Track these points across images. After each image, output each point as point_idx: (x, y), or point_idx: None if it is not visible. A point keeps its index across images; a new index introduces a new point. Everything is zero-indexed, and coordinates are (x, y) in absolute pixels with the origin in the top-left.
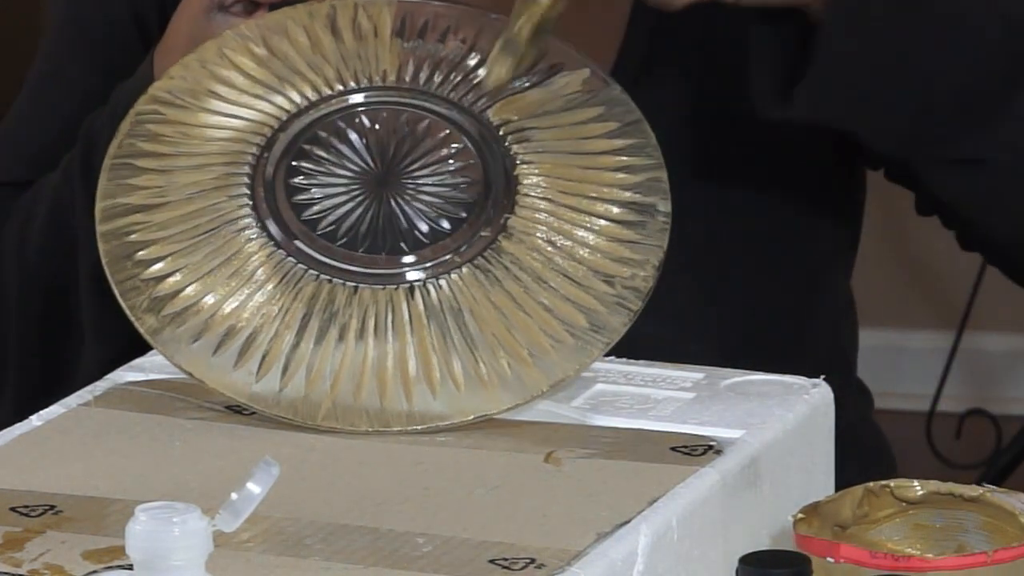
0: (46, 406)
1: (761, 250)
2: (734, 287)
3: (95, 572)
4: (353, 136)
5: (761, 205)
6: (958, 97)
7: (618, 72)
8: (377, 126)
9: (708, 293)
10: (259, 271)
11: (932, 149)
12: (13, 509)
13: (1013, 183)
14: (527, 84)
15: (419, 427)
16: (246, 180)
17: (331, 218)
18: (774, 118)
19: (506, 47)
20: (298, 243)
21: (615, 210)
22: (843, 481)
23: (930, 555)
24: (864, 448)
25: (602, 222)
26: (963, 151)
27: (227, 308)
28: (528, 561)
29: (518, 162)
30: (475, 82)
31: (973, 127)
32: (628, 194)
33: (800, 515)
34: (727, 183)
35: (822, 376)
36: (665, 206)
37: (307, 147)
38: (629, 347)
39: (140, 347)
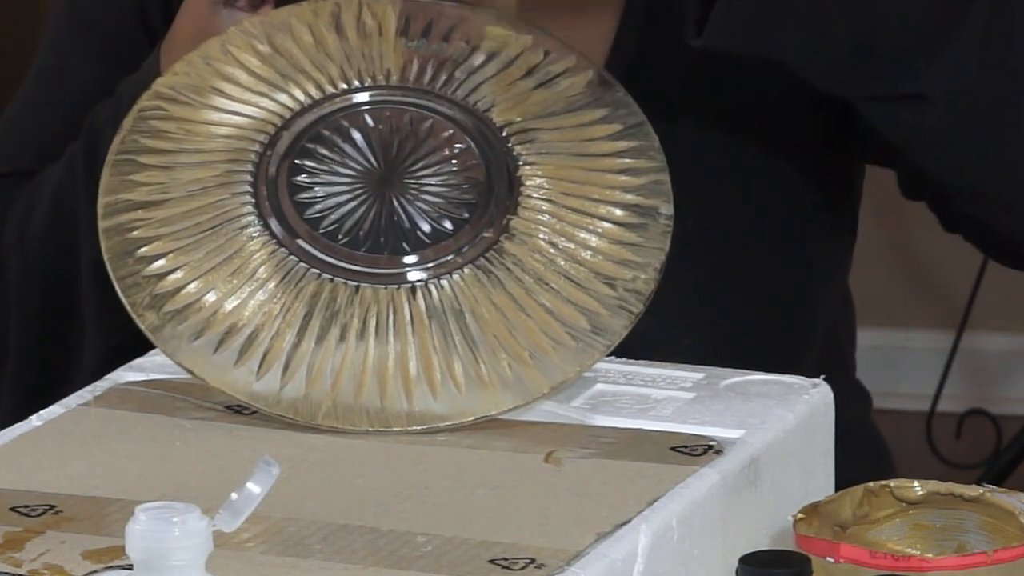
0: (47, 398)
1: (755, 245)
2: (728, 282)
3: (95, 572)
4: (356, 135)
5: (755, 199)
6: (895, 31)
7: (611, 65)
8: (380, 125)
9: (702, 287)
10: (261, 269)
11: (870, 85)
12: (13, 509)
13: (958, 122)
14: (532, 85)
15: (419, 427)
16: (249, 178)
17: (333, 217)
18: (695, 46)
19: None
20: (300, 242)
21: (617, 212)
22: (842, 481)
23: (930, 555)
24: (863, 448)
25: (604, 224)
26: (902, 87)
27: (228, 306)
28: (528, 561)
29: (521, 163)
30: (479, 83)
31: (912, 62)
32: (631, 196)
33: (800, 515)
34: (720, 177)
35: (822, 376)
36: (668, 209)
37: (310, 145)
38: (622, 342)
39: (141, 340)
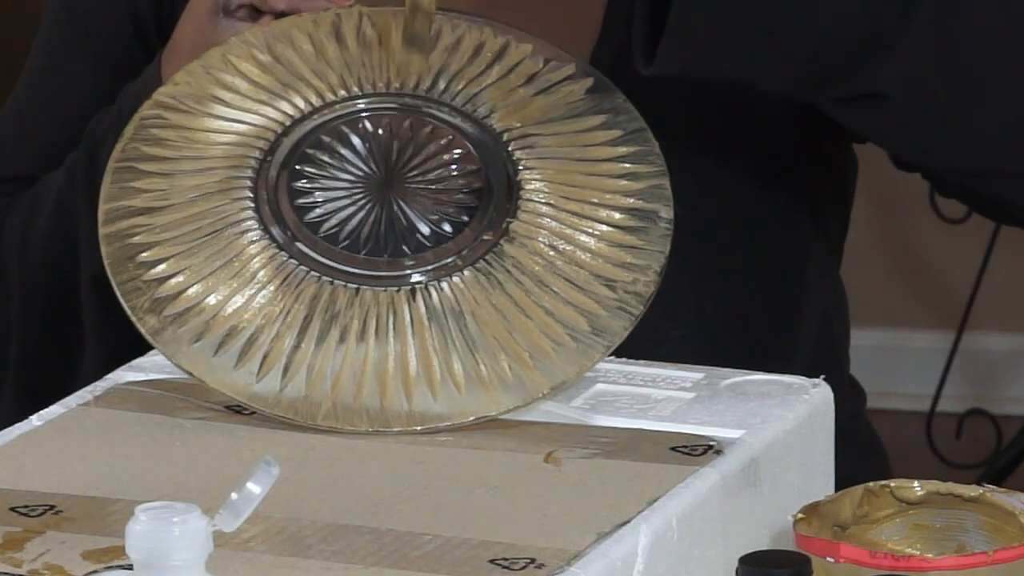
0: (46, 406)
1: (744, 234)
2: (719, 273)
3: (95, 572)
4: (356, 141)
5: (744, 190)
6: (845, 35)
7: (595, 61)
8: (380, 131)
9: (693, 278)
10: (261, 273)
11: (827, 89)
12: (13, 509)
13: (916, 115)
14: (532, 92)
15: (419, 427)
16: (249, 184)
17: (333, 221)
18: (647, 75)
19: (412, 44)
20: (300, 245)
21: (617, 216)
22: (837, 477)
23: (930, 555)
24: (857, 444)
25: (604, 227)
26: (858, 88)
27: (229, 309)
28: (528, 561)
29: (520, 168)
30: (479, 90)
31: (864, 64)
32: (631, 200)
33: (800, 515)
34: (708, 169)
35: (822, 376)
36: (667, 213)
37: (310, 151)
38: None
39: (140, 349)
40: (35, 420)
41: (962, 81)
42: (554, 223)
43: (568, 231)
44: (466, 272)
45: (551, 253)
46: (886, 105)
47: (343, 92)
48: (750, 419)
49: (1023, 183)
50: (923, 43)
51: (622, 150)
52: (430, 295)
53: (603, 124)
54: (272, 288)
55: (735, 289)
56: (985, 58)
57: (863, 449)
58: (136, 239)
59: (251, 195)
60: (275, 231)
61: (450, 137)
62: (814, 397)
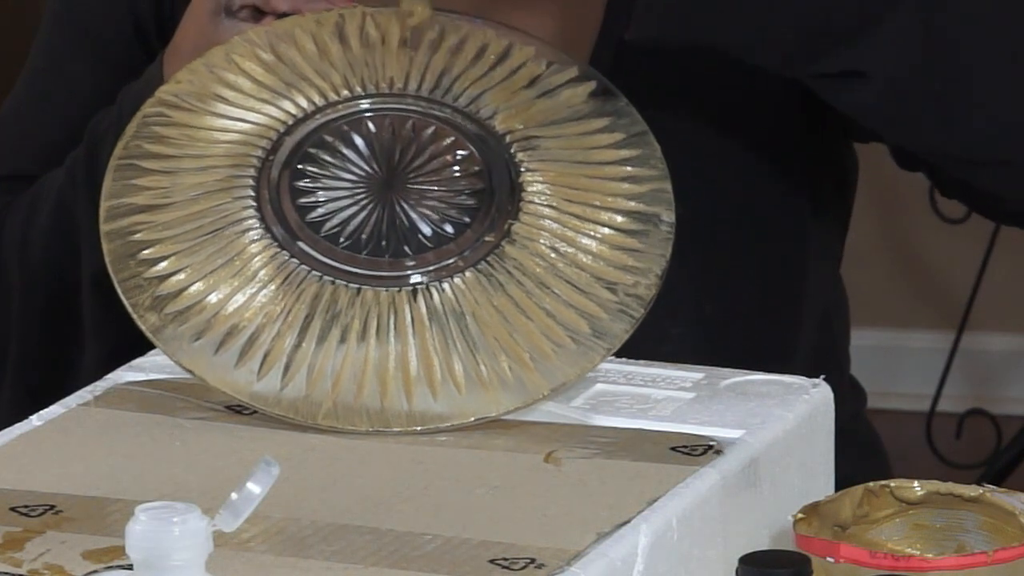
0: (46, 406)
1: (745, 235)
2: (719, 272)
3: (95, 572)
4: (359, 141)
5: (744, 189)
6: (828, 12)
7: (595, 58)
8: (383, 132)
9: (693, 277)
10: (262, 271)
11: (809, 63)
12: (13, 509)
13: (902, 97)
14: (535, 95)
15: (419, 428)
16: (251, 182)
17: (335, 221)
18: (629, 40)
19: None
20: (301, 244)
21: (619, 219)
22: (837, 477)
23: (930, 555)
24: (857, 444)
25: (606, 230)
26: (840, 64)
27: (230, 307)
28: (528, 561)
29: (523, 169)
30: (482, 91)
31: (849, 40)
32: (633, 204)
33: (800, 515)
34: (707, 166)
35: (822, 376)
36: (669, 216)
37: (313, 151)
38: None
39: (139, 348)
40: (35, 420)
41: (950, 67)
42: (556, 225)
43: (570, 233)
44: (467, 273)
45: (552, 255)
46: (866, 85)
47: (346, 92)
48: (750, 419)
49: (1015, 173)
50: (910, 24)
51: (624, 153)
52: (431, 295)
53: (605, 127)
54: (273, 287)
55: (735, 288)
56: (974, 45)
57: (863, 449)
58: (137, 236)
59: (253, 194)
60: (277, 230)
61: (452, 138)
62: (814, 397)
